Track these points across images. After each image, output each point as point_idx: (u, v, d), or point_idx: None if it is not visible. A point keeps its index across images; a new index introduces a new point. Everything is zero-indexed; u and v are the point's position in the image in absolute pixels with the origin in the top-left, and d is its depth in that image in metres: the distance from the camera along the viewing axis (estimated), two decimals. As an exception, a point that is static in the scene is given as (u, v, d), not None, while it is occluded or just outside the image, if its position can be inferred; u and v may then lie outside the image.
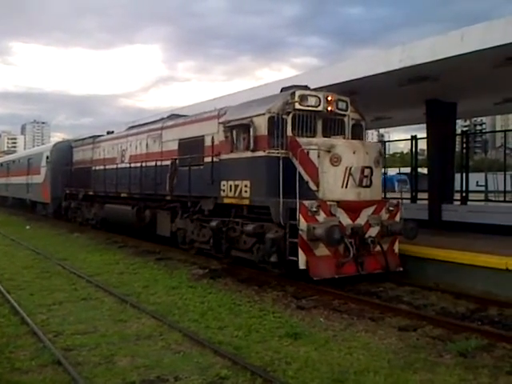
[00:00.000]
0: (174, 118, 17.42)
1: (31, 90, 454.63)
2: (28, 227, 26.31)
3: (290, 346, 7.48)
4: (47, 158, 29.34)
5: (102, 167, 21.80)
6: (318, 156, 11.16)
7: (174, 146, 15.95)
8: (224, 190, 13.10)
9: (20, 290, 11.20)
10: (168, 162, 16.02)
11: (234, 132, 12.79)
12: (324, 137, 12.15)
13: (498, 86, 16.11)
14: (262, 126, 11.77)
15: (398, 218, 11.97)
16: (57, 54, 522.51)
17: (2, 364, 6.65)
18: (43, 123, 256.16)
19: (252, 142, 11.92)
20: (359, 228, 11.20)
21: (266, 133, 11.71)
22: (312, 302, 10.11)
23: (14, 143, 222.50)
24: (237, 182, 12.61)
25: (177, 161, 15.59)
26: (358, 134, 13.01)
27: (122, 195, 19.43)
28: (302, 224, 10.63)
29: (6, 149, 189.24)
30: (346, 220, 11.12)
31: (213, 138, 13.61)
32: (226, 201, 13.04)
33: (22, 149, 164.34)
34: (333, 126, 12.61)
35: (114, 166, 20.28)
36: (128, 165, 19.06)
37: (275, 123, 11.71)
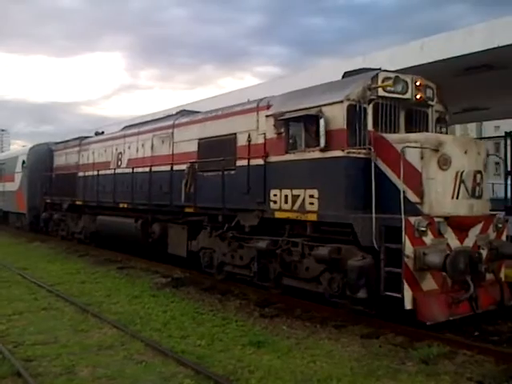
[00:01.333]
0: (187, 114, 14.73)
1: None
2: (-15, 236, 25.67)
3: (253, 355, 7.48)
4: (23, 162, 26.14)
5: (92, 173, 18.88)
6: (422, 157, 8.61)
7: (191, 147, 13.28)
8: (275, 202, 10.33)
9: (-23, 299, 10.92)
10: (182, 167, 13.22)
11: (291, 127, 10.18)
12: (407, 133, 9.67)
13: (458, 96, 16.47)
14: (337, 117, 9.21)
15: (504, 237, 9.72)
16: (17, 61, 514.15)
17: (-42, 376, 6.47)
18: (3, 130, 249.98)
19: (323, 138, 9.24)
20: (475, 252, 8.71)
21: (345, 126, 9.13)
22: (275, 310, 10.13)
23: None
24: (296, 192, 9.85)
25: (195, 165, 12.99)
26: (440, 130, 10.56)
27: (122, 205, 16.53)
28: (408, 248, 8.18)
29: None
30: (454, 241, 8.74)
31: (249, 136, 11.19)
32: (279, 215, 10.29)
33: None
34: (416, 119, 10.14)
35: (110, 172, 17.44)
36: (129, 170, 16.14)
37: (355, 114, 9.20)
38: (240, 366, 6.93)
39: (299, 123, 9.97)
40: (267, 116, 10.68)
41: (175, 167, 13.83)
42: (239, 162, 11.49)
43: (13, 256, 18.05)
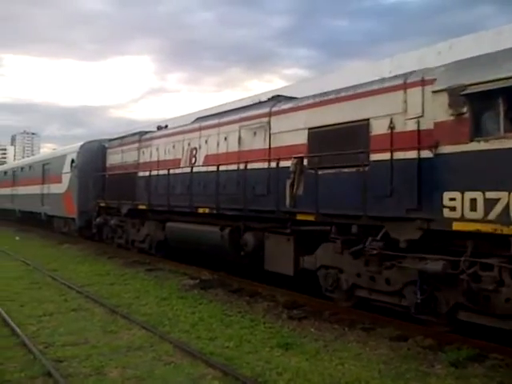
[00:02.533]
0: (285, 99, 12.29)
1: (21, 100, 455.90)
2: (17, 238, 26.14)
3: (281, 357, 7.47)
4: (72, 161, 23.48)
5: (156, 172, 16.36)
6: None
7: (297, 139, 10.83)
8: (453, 209, 7.58)
9: (10, 301, 11.11)
10: (285, 163, 10.89)
11: (479, 105, 7.53)
12: None
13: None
14: None
15: None
16: (47, 65, 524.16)
17: (-8, 376, 6.60)
18: (33, 134, 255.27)
19: None
20: None
21: None
22: (303, 312, 10.10)
23: (4, 154, 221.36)
24: (492, 195, 7.15)
25: (304, 160, 10.66)
26: None
27: (201, 211, 13.70)
28: None
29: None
30: None
31: (391, 122, 8.82)
32: (460, 227, 7.55)
33: (12, 160, 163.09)
34: None
35: (183, 171, 14.87)
36: (212, 168, 13.40)
37: None
38: (268, 368, 6.93)
39: (494, 99, 7.36)
40: (435, 92, 8.03)
41: (273, 164, 11.39)
42: (374, 156, 9.07)
43: (43, 258, 18.31)
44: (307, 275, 10.69)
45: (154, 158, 17.01)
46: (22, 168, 34.25)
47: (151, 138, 17.74)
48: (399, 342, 8.13)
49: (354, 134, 9.45)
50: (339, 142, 9.65)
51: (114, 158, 20.47)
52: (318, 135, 10.38)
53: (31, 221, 30.70)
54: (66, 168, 24.13)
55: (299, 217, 10.42)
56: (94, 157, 22.06)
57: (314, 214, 9.91)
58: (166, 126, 18.49)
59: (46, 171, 27.71)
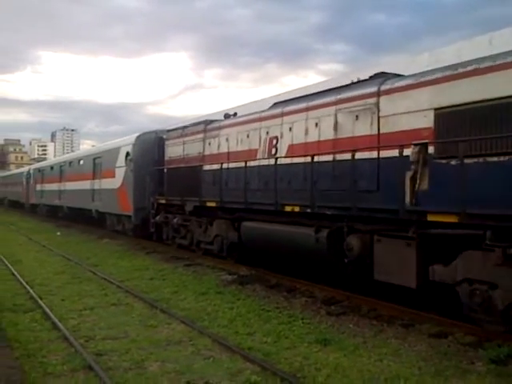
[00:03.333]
0: (393, 77, 10.31)
1: (61, 98, 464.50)
2: (58, 233, 26.70)
3: (319, 352, 7.44)
4: (127, 154, 21.63)
5: (228, 166, 14.34)
6: None
7: (419, 122, 8.94)
8: None
9: (51, 295, 11.37)
10: (403, 152, 8.83)
11: None
12: None
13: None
14: None
15: None
16: (85, 62, 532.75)
17: (36, 368, 6.74)
18: (73, 130, 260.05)
19: None
20: None
21: None
22: (341, 308, 10.04)
23: (45, 150, 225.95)
24: None
25: (428, 148, 8.75)
26: None
27: (289, 209, 11.70)
28: None
29: (36, 156, 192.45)
30: None
31: None
32: None
33: (52, 156, 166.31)
34: None
35: (265, 163, 12.86)
36: (303, 160, 11.39)
37: None
38: (306, 364, 6.90)
39: None
40: None
41: (385, 153, 9.53)
42: None
43: (83, 253, 18.68)
44: (434, 288, 8.87)
45: (224, 150, 14.98)
46: (70, 162, 32.62)
47: (219, 128, 15.52)
48: (439, 338, 8.00)
49: (503, 114, 7.65)
50: (485, 124, 7.88)
51: (174, 151, 18.33)
52: (450, 117, 8.47)
53: (79, 217, 30.03)
54: (120, 162, 22.33)
55: (431, 217, 8.36)
56: (150, 149, 20.36)
57: (458, 215, 7.79)
58: (235, 114, 16.48)
59: (97, 165, 26.27)
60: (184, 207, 16.80)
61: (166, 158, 18.95)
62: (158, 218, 19.01)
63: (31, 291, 11.52)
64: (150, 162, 20.05)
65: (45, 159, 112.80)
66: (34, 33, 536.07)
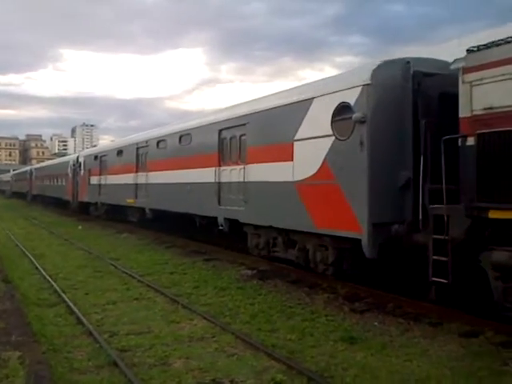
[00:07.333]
0: None
1: (81, 94, 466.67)
2: (80, 227, 26.82)
3: (345, 351, 7.30)
4: (340, 110, 10.53)
5: None
6: None
7: None
8: None
9: (75, 289, 11.39)
10: None
11: None
12: None
13: None
14: None
15: None
16: (104, 59, 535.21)
17: (62, 363, 6.71)
18: (92, 126, 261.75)
19: None
20: None
21: None
22: (365, 304, 9.85)
23: (65, 146, 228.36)
24: None
25: None
26: None
27: None
28: None
29: (57, 151, 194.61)
30: None
31: None
32: None
33: (73, 151, 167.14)
34: None
35: None
36: None
37: None
38: (333, 363, 6.78)
39: None
40: None
41: None
42: None
43: (104, 247, 18.70)
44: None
45: None
46: (157, 142, 20.66)
47: None
48: (469, 338, 7.79)
49: None
50: None
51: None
52: None
53: (181, 230, 20.35)
54: (310, 127, 11.50)
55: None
56: (398, 99, 9.91)
57: None
58: None
59: (227, 141, 15.10)
60: None
61: (477, 111, 8.14)
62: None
63: (55, 285, 11.55)
64: (400, 125, 9.90)
65: (65, 154, 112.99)
66: (56, 31, 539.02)
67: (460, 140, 8.42)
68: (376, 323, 8.75)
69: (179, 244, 18.70)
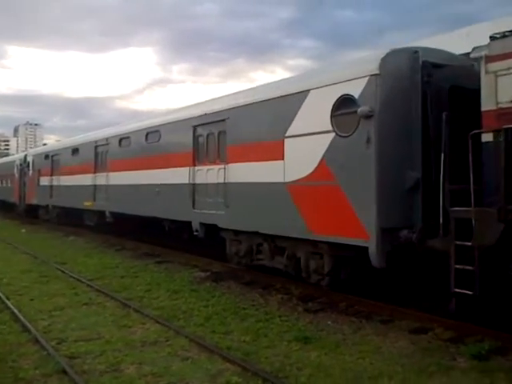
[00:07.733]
0: None
1: (25, 92, 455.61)
2: (23, 231, 26.03)
3: (299, 351, 7.31)
4: (339, 102, 9.47)
5: None
6: None
7: None
8: None
9: (19, 295, 10.99)
10: None
11: None
12: None
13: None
14: None
15: None
16: (52, 57, 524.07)
17: (6, 374, 6.46)
18: (36, 125, 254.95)
19: None
20: None
21: None
22: (318, 304, 9.92)
23: (7, 145, 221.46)
24: None
25: None
26: None
27: None
28: None
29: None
30: None
31: None
32: None
33: (15, 151, 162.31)
34: None
35: None
36: None
37: None
38: (288, 363, 6.77)
39: None
40: None
41: None
42: None
43: (50, 250, 18.17)
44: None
45: None
46: (120, 140, 18.98)
47: None
48: (419, 334, 7.96)
49: None
50: None
51: None
52: None
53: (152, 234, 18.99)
54: (303, 122, 10.42)
55: None
56: (406, 91, 9.06)
57: None
58: None
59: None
60: None
61: (504, 105, 7.55)
62: None
63: (-3, 291, 11.11)
64: (408, 120, 9.02)
65: (7, 154, 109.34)
66: (0, 27, 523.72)
67: (486, 135, 7.61)
68: (329, 322, 8.82)
69: (129, 247, 18.39)
